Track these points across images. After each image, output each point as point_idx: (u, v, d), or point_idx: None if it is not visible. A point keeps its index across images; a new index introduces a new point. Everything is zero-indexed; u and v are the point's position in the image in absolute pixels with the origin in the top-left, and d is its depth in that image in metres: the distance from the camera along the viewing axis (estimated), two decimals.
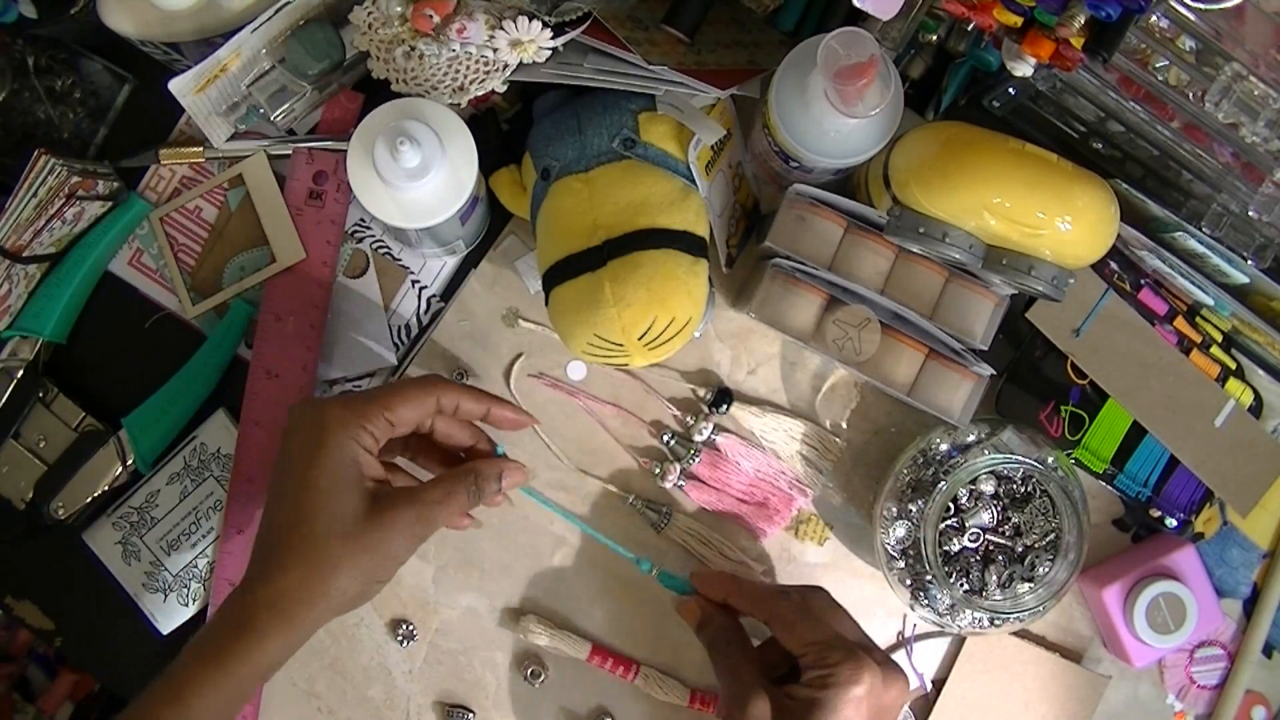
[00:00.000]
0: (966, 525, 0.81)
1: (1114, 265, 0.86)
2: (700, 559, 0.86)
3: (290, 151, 0.85)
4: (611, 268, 0.73)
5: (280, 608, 0.66)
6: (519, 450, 0.86)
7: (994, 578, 0.81)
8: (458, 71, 0.77)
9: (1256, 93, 0.71)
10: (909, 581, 0.81)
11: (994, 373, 0.81)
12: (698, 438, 0.86)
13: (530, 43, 0.75)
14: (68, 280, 0.84)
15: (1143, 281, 0.86)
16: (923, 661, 0.87)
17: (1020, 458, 0.80)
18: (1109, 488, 0.87)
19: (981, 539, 0.82)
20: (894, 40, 0.80)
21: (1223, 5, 0.69)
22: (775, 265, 0.81)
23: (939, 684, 0.86)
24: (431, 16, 0.74)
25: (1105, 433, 0.86)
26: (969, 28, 0.82)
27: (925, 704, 0.87)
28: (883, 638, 0.87)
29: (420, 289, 0.87)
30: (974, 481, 0.81)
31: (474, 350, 0.87)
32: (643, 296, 0.72)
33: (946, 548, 0.81)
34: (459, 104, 0.77)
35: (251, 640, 0.66)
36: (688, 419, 0.87)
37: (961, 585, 0.81)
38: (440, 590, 0.86)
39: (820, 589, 0.77)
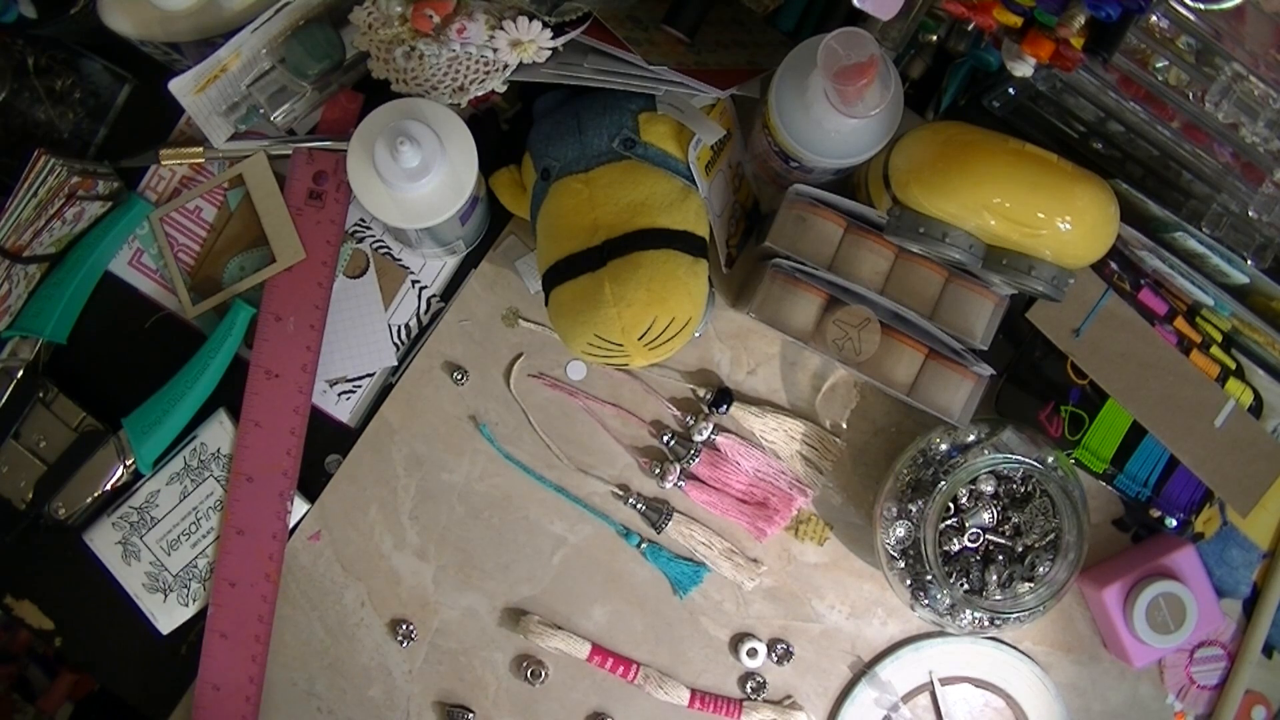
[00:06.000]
0: (966, 525, 0.81)
1: (1114, 265, 0.86)
2: (700, 559, 0.86)
3: (290, 151, 0.85)
4: (611, 268, 0.73)
5: None
6: (520, 451, 0.86)
7: (994, 578, 0.81)
8: (458, 71, 0.77)
9: (1256, 93, 0.71)
10: (909, 581, 0.81)
11: (994, 373, 0.81)
12: (698, 438, 0.86)
13: (530, 43, 0.74)
14: (68, 280, 0.84)
15: (1143, 281, 0.86)
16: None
17: (1020, 458, 0.80)
18: (1109, 488, 0.87)
19: (981, 539, 0.82)
20: (894, 40, 0.80)
21: (1223, 5, 0.69)
22: (775, 265, 0.80)
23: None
24: (431, 16, 0.74)
25: (1105, 433, 0.86)
26: (969, 28, 0.82)
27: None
28: (882, 638, 0.87)
29: (420, 289, 0.87)
30: (974, 481, 0.81)
31: (474, 350, 0.87)
32: (643, 296, 0.72)
33: (946, 548, 0.81)
34: (459, 104, 0.77)
35: None
36: (688, 419, 0.87)
37: (961, 585, 0.81)
38: (440, 590, 0.86)
39: None
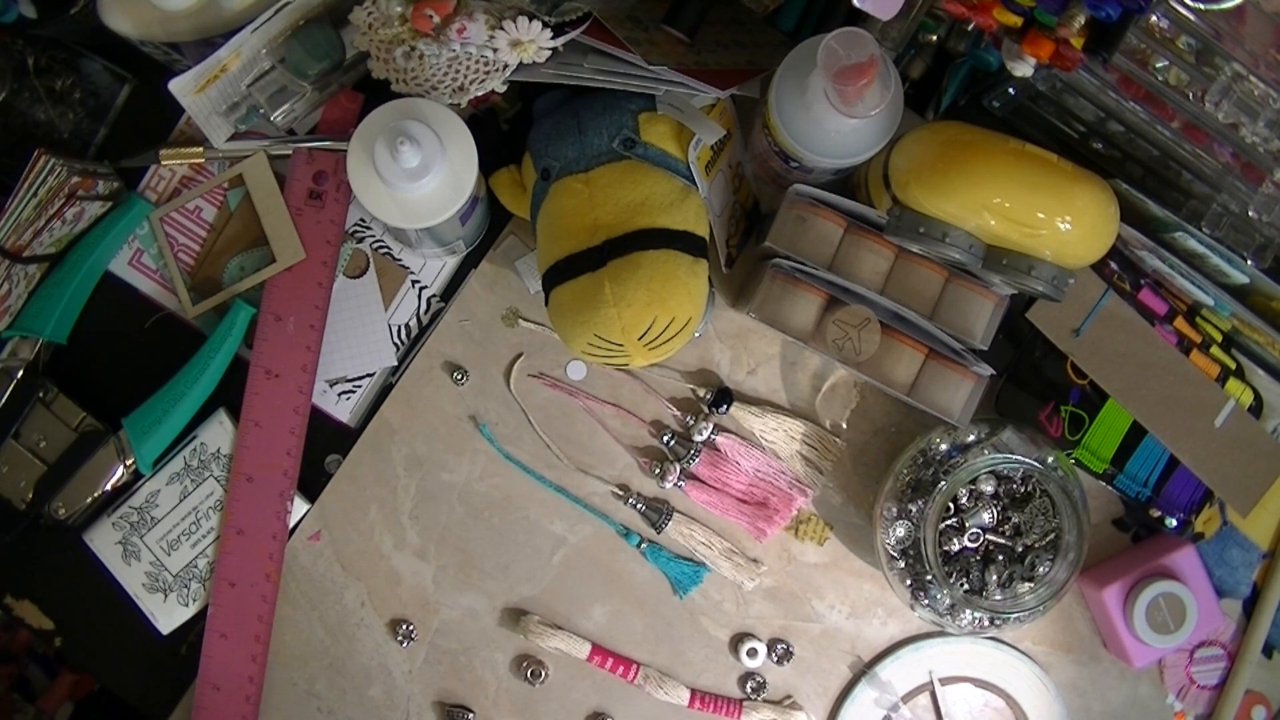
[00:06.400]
0: (966, 525, 0.81)
1: (1114, 265, 0.86)
2: (700, 559, 0.86)
3: (290, 151, 0.85)
4: (611, 268, 0.73)
5: None
6: (520, 451, 0.86)
7: (994, 577, 0.81)
8: (458, 71, 0.77)
9: (1256, 93, 0.71)
10: (909, 581, 0.81)
11: (994, 373, 0.81)
12: (698, 438, 0.86)
13: (530, 43, 0.74)
14: (68, 280, 0.84)
15: (1143, 281, 0.86)
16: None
17: (1020, 458, 0.80)
18: (1109, 488, 0.87)
19: (981, 539, 0.82)
20: (894, 40, 0.80)
21: (1223, 5, 0.69)
22: (775, 265, 0.80)
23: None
24: (431, 16, 0.74)
25: (1105, 433, 0.86)
26: (969, 28, 0.82)
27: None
28: (882, 638, 0.87)
29: (420, 289, 0.87)
30: (974, 481, 0.81)
31: (474, 350, 0.87)
32: (643, 296, 0.72)
33: (946, 548, 0.81)
34: (459, 104, 0.77)
35: None
36: (688, 419, 0.87)
37: (961, 585, 0.81)
38: (440, 590, 0.86)
39: None
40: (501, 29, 0.74)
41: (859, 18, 0.78)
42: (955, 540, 0.81)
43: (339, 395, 0.87)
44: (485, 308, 0.87)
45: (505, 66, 0.76)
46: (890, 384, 0.81)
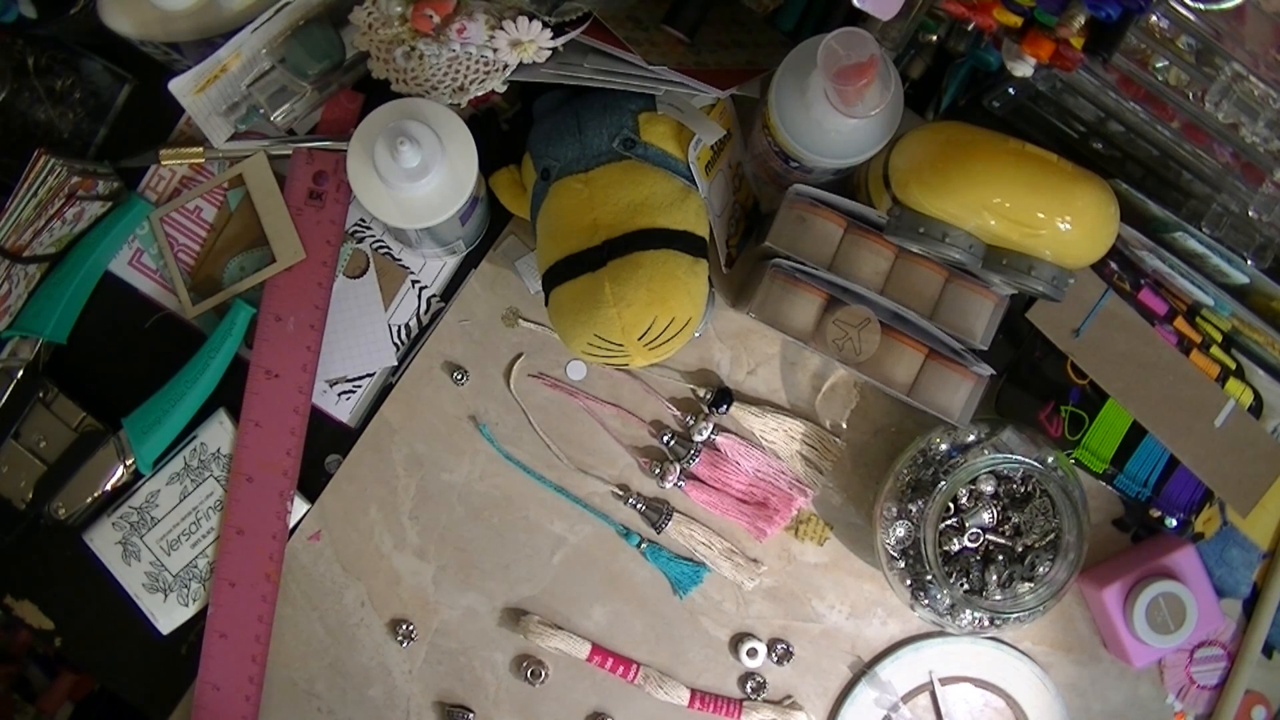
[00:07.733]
0: (966, 525, 0.81)
1: (1114, 265, 0.86)
2: (700, 559, 0.86)
3: (290, 151, 0.85)
4: (611, 268, 0.73)
5: None
6: (520, 451, 0.86)
7: (994, 578, 0.81)
8: (458, 71, 0.77)
9: (1256, 93, 0.71)
10: (909, 581, 0.81)
11: (994, 373, 0.81)
12: (698, 438, 0.86)
13: (530, 43, 0.74)
14: (68, 280, 0.84)
15: (1143, 281, 0.86)
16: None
17: (1020, 458, 0.80)
18: (1109, 488, 0.87)
19: (981, 539, 0.82)
20: (894, 40, 0.80)
21: (1223, 5, 0.69)
22: (775, 265, 0.81)
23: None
24: (431, 16, 0.74)
25: (1105, 433, 0.86)
26: (969, 28, 0.82)
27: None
28: (882, 638, 0.87)
29: (420, 289, 0.87)
30: (974, 481, 0.81)
31: (474, 350, 0.87)
32: (643, 296, 0.72)
33: (946, 548, 0.81)
34: (459, 104, 0.77)
35: None
36: (688, 419, 0.87)
37: (961, 585, 0.81)
38: (440, 590, 0.86)
39: None
40: (501, 29, 0.74)
41: (859, 18, 0.78)
42: (955, 540, 0.81)
43: (339, 395, 0.87)
44: (485, 308, 0.87)
45: (505, 66, 0.76)
46: (890, 384, 0.81)
